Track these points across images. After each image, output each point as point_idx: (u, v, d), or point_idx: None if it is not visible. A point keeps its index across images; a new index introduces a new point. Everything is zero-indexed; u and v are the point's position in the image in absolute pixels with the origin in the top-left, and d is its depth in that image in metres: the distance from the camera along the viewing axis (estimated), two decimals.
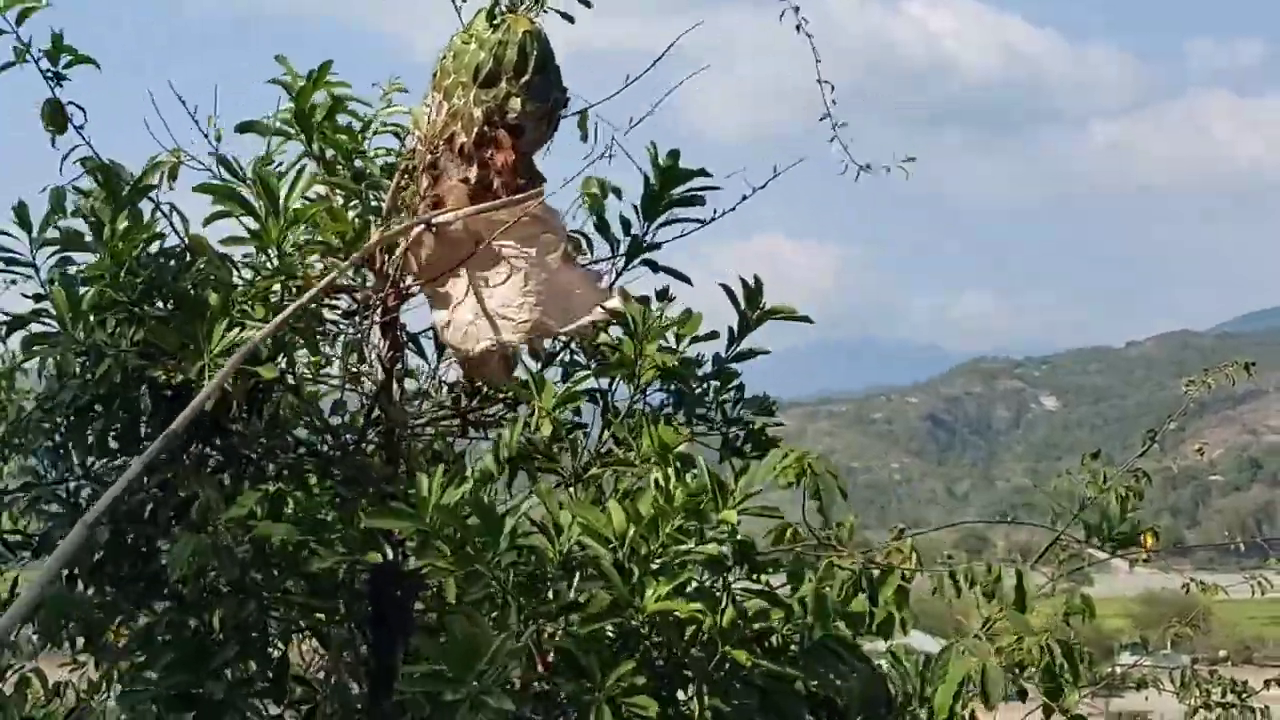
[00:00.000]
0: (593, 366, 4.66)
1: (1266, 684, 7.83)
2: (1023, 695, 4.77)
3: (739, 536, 4.05)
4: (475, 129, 4.46)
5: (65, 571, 4.36)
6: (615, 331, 4.61)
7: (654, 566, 3.73)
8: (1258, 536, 8.90)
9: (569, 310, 4.50)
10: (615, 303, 4.52)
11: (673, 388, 4.67)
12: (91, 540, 4.26)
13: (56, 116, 4.34)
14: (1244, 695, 7.53)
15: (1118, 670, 8.01)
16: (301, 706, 4.55)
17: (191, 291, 4.18)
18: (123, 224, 4.16)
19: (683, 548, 3.76)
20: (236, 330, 4.08)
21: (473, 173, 4.46)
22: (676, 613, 3.71)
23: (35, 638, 4.59)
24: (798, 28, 5.03)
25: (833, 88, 5.02)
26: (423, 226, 4.43)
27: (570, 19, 4.58)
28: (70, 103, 4.36)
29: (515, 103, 4.46)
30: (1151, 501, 6.60)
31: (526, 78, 4.48)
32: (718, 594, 3.91)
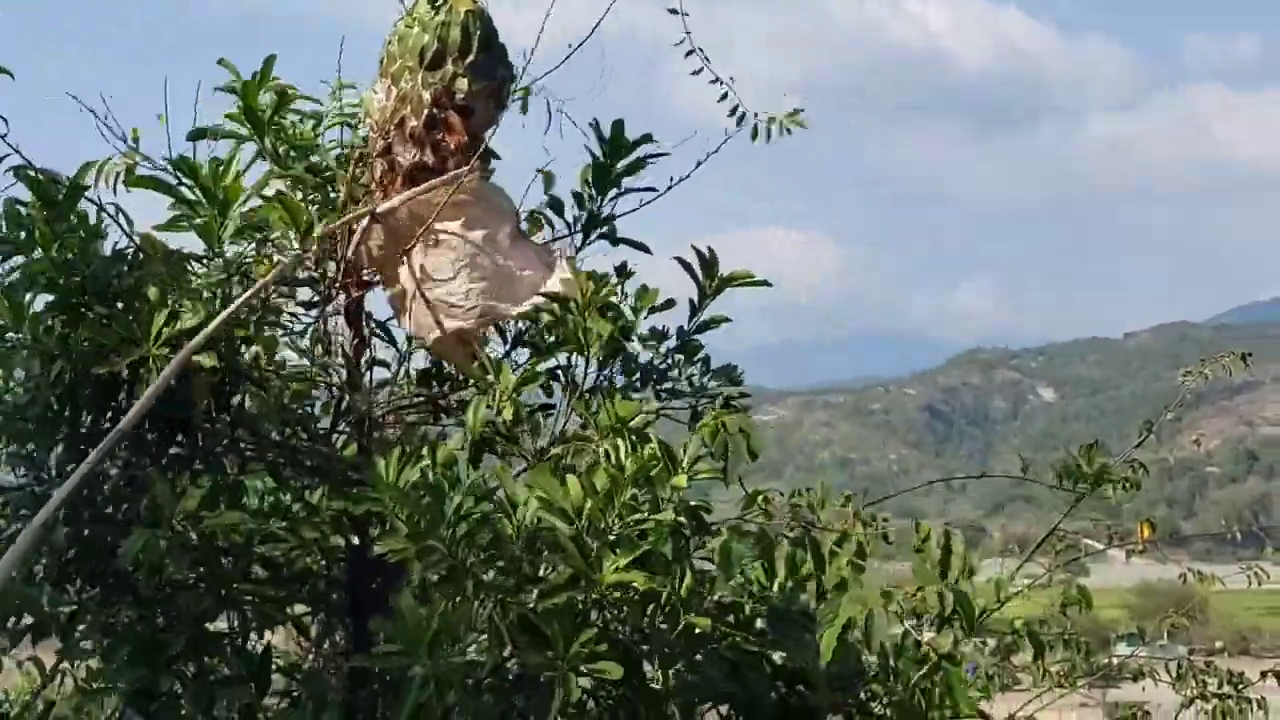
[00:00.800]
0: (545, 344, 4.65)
1: (1263, 675, 7.81)
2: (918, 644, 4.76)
3: (693, 503, 4.04)
4: (425, 112, 4.48)
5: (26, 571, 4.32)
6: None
7: (611, 538, 3.72)
8: (1254, 527, 8.89)
9: (518, 292, 4.50)
10: (555, 283, 4.51)
11: (634, 363, 4.65)
12: (53, 540, 4.24)
13: None
14: (1240, 686, 7.52)
15: (1114, 661, 7.99)
16: (288, 695, 4.53)
17: (132, 286, 4.15)
18: (58, 228, 4.13)
19: (638, 517, 3.75)
20: (175, 322, 4.05)
21: (425, 156, 4.46)
22: (635, 584, 3.70)
23: None
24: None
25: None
26: (368, 218, 4.43)
27: None
28: None
29: (462, 83, 4.49)
30: (1148, 492, 6.61)
31: (471, 57, 4.50)
32: (675, 564, 3.90)
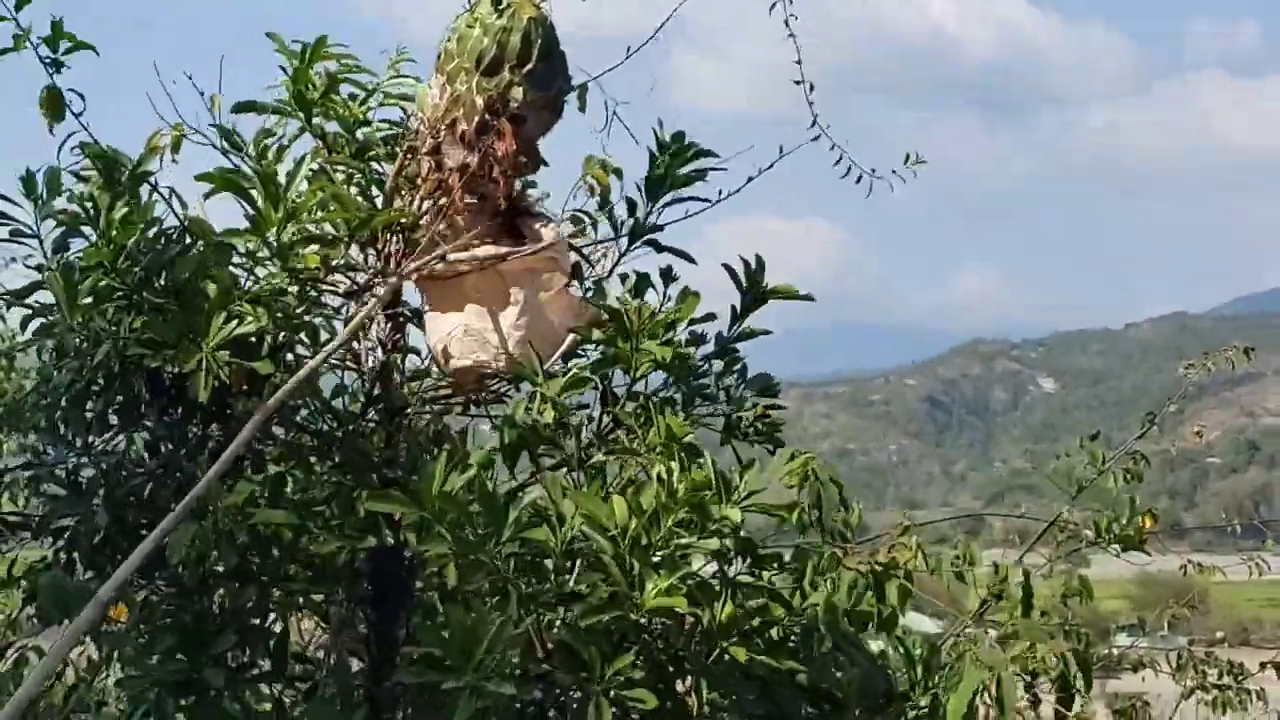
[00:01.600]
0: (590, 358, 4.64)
1: (1263, 666, 7.85)
2: (1035, 703, 4.78)
3: (741, 533, 4.03)
4: (476, 117, 4.42)
5: (64, 556, 4.36)
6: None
7: (655, 560, 3.72)
8: (1255, 518, 8.92)
9: (552, 341, 4.51)
10: (570, 338, 4.55)
11: (683, 379, 4.66)
12: (93, 522, 4.27)
13: (55, 104, 4.31)
14: (1240, 677, 7.55)
15: (1114, 652, 8.01)
16: (300, 684, 4.55)
17: (188, 280, 4.15)
18: (120, 211, 4.14)
19: (683, 541, 3.75)
20: (234, 323, 4.06)
21: (473, 160, 4.43)
22: (677, 608, 3.71)
23: (34, 619, 4.60)
24: (785, 22, 5.01)
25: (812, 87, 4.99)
26: (438, 257, 4.43)
27: None
28: (70, 89, 4.34)
29: (517, 92, 4.42)
30: (1149, 483, 6.63)
31: (530, 66, 4.44)
32: (717, 589, 3.91)
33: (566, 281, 4.58)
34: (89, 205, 4.16)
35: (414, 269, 4.42)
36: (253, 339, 4.14)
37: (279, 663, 4.33)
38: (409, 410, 4.67)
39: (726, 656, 3.89)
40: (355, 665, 4.61)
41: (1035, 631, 4.48)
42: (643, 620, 3.77)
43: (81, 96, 4.33)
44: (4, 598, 5.87)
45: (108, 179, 4.18)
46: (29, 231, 4.24)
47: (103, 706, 4.69)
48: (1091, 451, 6.27)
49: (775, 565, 4.27)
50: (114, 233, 4.10)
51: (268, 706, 4.35)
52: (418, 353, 4.84)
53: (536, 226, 4.54)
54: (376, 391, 4.64)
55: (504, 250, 4.46)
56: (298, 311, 4.26)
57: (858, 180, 5.13)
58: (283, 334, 4.25)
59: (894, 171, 5.10)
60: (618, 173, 4.87)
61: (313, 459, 4.51)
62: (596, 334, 4.51)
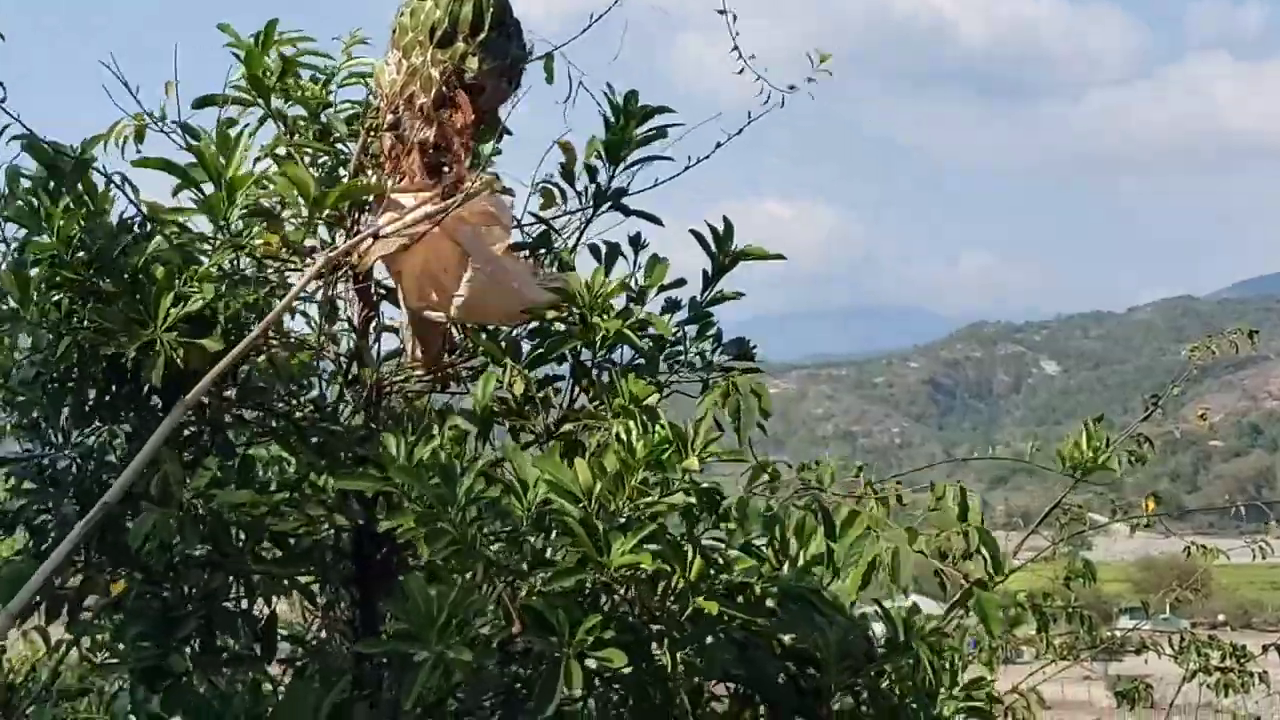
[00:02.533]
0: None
1: (1265, 649, 7.85)
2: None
3: (704, 485, 4.02)
4: (434, 89, 4.41)
5: (31, 543, 4.35)
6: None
7: (620, 521, 3.70)
8: (1258, 500, 8.91)
9: (506, 303, 4.48)
10: (544, 297, 4.51)
11: (643, 344, 4.65)
12: (62, 515, 4.25)
13: None
14: (1243, 659, 7.55)
15: (1117, 634, 8.02)
16: (293, 663, 4.55)
17: (138, 266, 4.12)
18: (62, 202, 4.10)
19: (648, 500, 3.73)
20: (182, 305, 4.04)
21: (431, 133, 4.42)
22: (643, 566, 3.69)
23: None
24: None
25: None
26: (370, 234, 4.41)
27: None
28: None
29: (473, 62, 4.40)
30: (1151, 467, 6.62)
31: (482, 35, 4.43)
32: (685, 546, 3.90)
33: (508, 239, 4.56)
34: (32, 199, 4.13)
35: (350, 245, 4.39)
36: (209, 319, 4.11)
37: (268, 645, 4.32)
38: (385, 390, 4.66)
39: (702, 617, 3.89)
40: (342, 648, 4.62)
41: (946, 520, 4.48)
42: (613, 582, 3.76)
43: (0, 85, 4.24)
44: None
45: (50, 171, 4.15)
46: None
47: (84, 693, 4.68)
48: (1094, 434, 6.25)
49: (737, 517, 4.26)
50: (58, 224, 4.07)
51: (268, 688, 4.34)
52: (395, 330, 4.82)
53: (462, 176, 4.50)
54: (353, 373, 4.62)
55: (431, 210, 4.40)
56: (248, 291, 4.23)
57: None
58: (230, 310, 4.21)
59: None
60: (565, 147, 4.85)
61: (284, 441, 4.50)
62: (551, 312, 4.50)
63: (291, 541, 4.26)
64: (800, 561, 4.20)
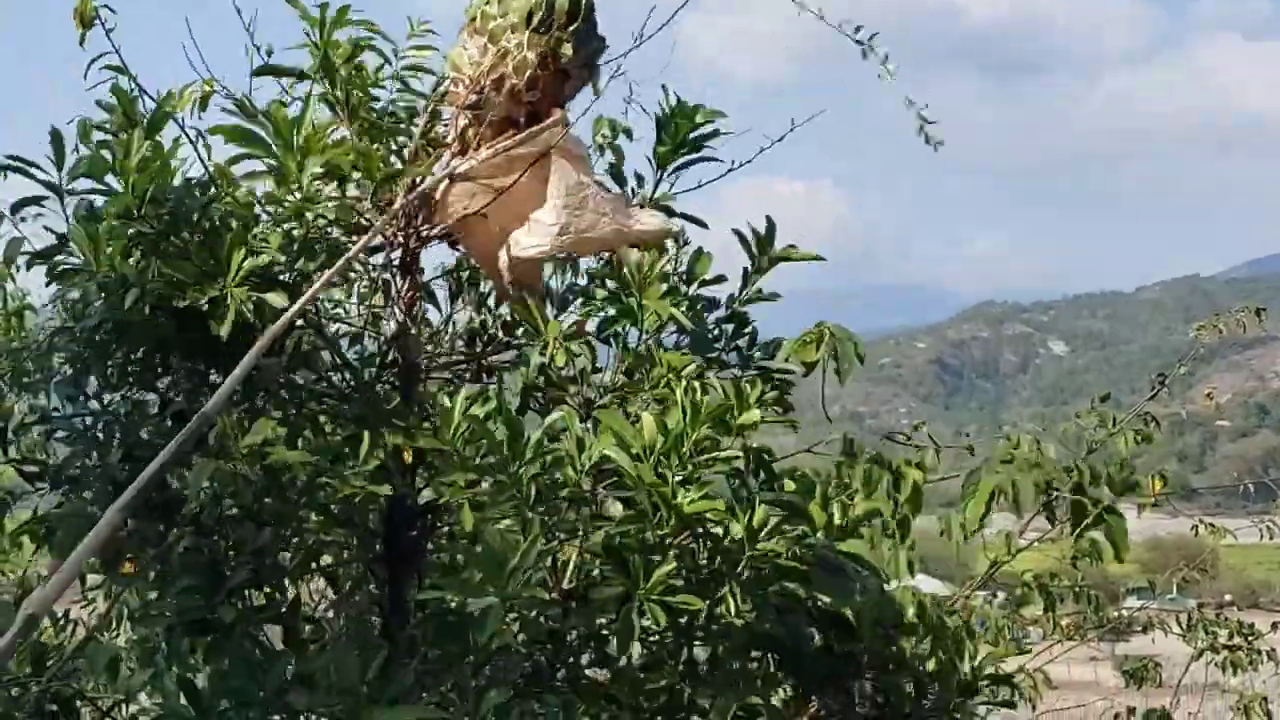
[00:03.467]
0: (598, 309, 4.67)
1: (1274, 626, 7.88)
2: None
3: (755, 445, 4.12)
4: (527, 72, 4.48)
5: (72, 501, 4.39)
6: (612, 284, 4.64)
7: (678, 478, 3.76)
8: (1266, 480, 8.91)
9: (602, 230, 4.53)
10: (652, 224, 4.56)
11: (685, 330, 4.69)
12: (108, 469, 4.30)
13: (86, 14, 4.33)
14: (1251, 638, 7.57)
15: (1124, 614, 8.04)
16: (310, 644, 4.57)
17: (212, 222, 4.19)
18: (137, 156, 4.14)
19: (708, 457, 3.80)
20: (253, 258, 4.10)
21: (521, 114, 4.49)
22: (711, 515, 3.78)
23: (47, 573, 4.62)
24: None
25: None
26: (446, 175, 4.46)
27: None
28: (104, 5, 4.36)
29: (567, 48, 4.48)
30: (1158, 446, 6.63)
31: (576, 24, 4.51)
32: (742, 501, 3.94)
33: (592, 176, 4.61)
34: (108, 151, 4.18)
35: (428, 185, 4.45)
36: (275, 277, 4.17)
37: (293, 624, 4.35)
38: (424, 373, 4.70)
39: (751, 572, 3.94)
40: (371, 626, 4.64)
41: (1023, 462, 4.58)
42: (674, 535, 3.83)
43: (111, 9, 4.34)
44: (15, 555, 5.91)
45: (127, 119, 4.20)
46: (51, 191, 4.26)
47: (116, 663, 4.70)
48: (1101, 414, 6.26)
49: (787, 480, 4.31)
50: (136, 176, 4.11)
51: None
52: (430, 322, 4.87)
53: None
54: (392, 355, 4.67)
55: (503, 143, 4.49)
56: (319, 250, 4.29)
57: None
58: (298, 265, 4.26)
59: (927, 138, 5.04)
60: (627, 133, 4.90)
61: (323, 414, 4.54)
62: (600, 293, 4.54)
63: (334, 507, 4.29)
64: (855, 513, 4.24)
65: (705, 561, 3.98)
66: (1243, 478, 8.57)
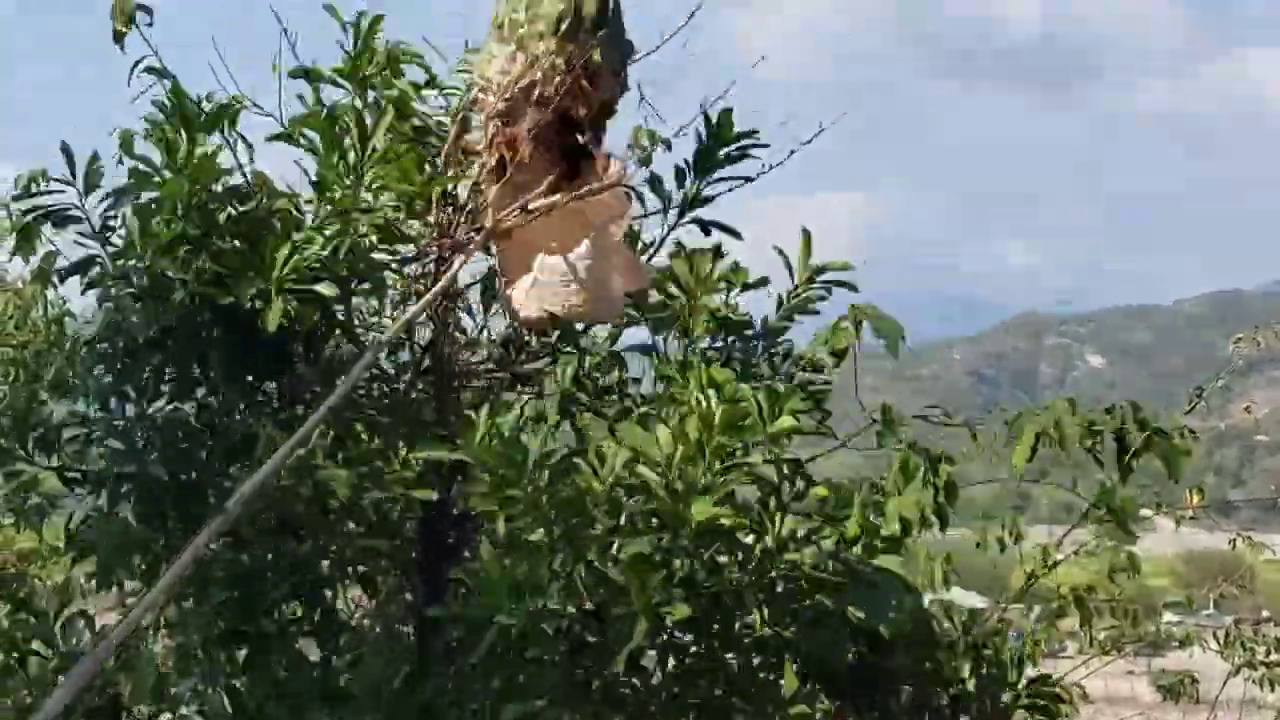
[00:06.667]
0: (646, 320, 4.67)
1: None
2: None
3: (786, 454, 4.06)
4: (556, 78, 4.48)
5: (111, 508, 4.42)
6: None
7: (701, 484, 3.74)
8: None
9: (612, 296, 4.53)
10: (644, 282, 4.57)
11: (724, 341, 4.68)
12: (149, 479, 4.32)
13: (125, 13, 4.34)
14: None
15: (1161, 629, 7.99)
16: (345, 653, 4.59)
17: (257, 223, 4.22)
18: (200, 150, 4.19)
19: (729, 464, 3.77)
20: (298, 255, 4.12)
21: (551, 121, 4.48)
22: (723, 522, 3.74)
23: (86, 580, 4.65)
24: None
25: None
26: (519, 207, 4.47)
27: None
28: (140, 7, 4.38)
29: (596, 54, 4.48)
30: (1196, 460, 6.58)
31: (604, 30, 4.51)
32: (769, 511, 3.91)
33: (626, 226, 4.61)
34: (162, 146, 4.21)
35: (501, 218, 4.45)
36: (319, 274, 4.19)
37: (329, 631, 4.37)
38: (458, 383, 4.71)
39: (778, 590, 3.90)
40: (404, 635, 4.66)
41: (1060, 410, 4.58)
42: (691, 544, 3.81)
43: (149, 11, 4.36)
44: (51, 562, 5.94)
45: (183, 116, 4.23)
46: (79, 213, 4.31)
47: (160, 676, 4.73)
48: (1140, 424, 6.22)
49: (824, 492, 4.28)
50: (191, 173, 4.13)
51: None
52: (464, 332, 4.87)
53: (599, 166, 4.55)
54: (427, 364, 4.68)
55: (581, 192, 4.48)
56: (361, 253, 4.32)
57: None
58: (343, 265, 4.28)
59: None
60: (666, 144, 4.89)
61: (359, 423, 4.56)
62: (654, 295, 4.55)
63: (373, 518, 4.30)
64: (888, 519, 4.20)
65: (736, 573, 3.96)
66: None
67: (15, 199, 4.46)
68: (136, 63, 4.42)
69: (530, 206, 4.47)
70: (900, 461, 4.37)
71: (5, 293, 5.09)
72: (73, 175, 4.35)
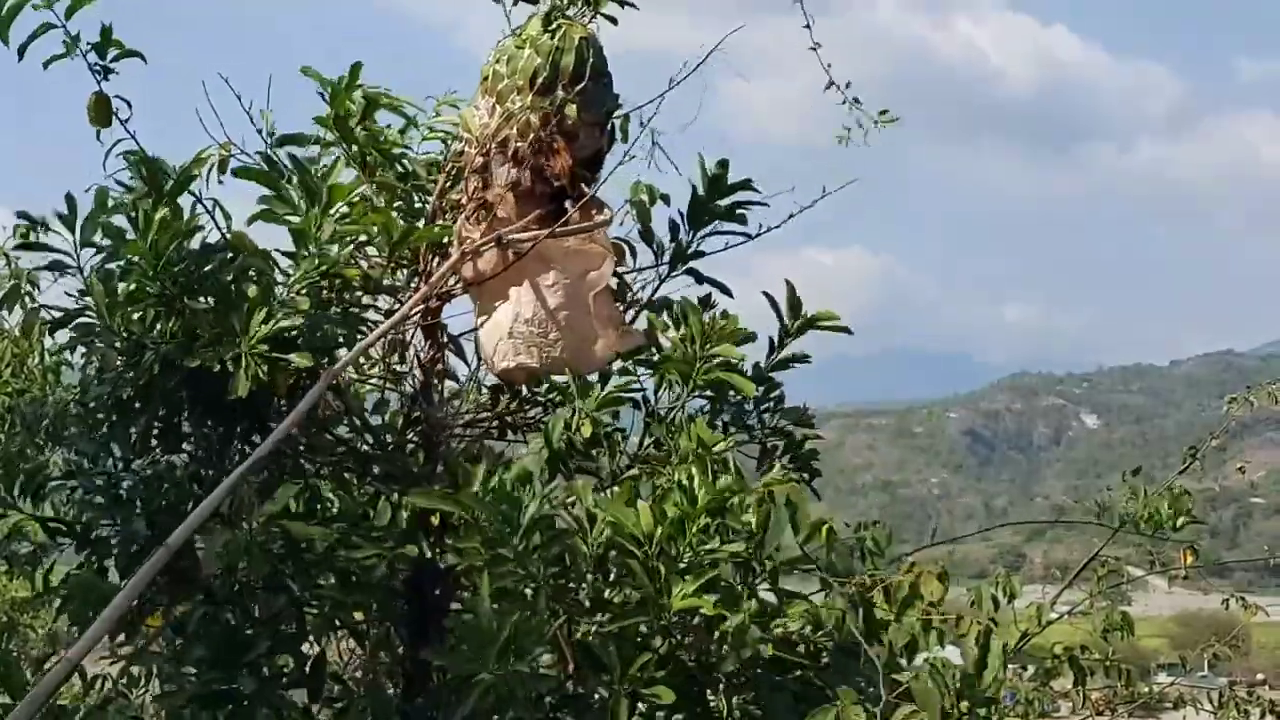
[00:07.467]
0: (639, 369, 4.65)
1: None
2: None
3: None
4: (530, 134, 4.45)
5: (95, 561, 4.40)
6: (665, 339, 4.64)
7: (681, 565, 3.73)
8: None
9: (587, 354, 4.52)
10: (632, 341, 4.56)
11: (712, 395, 4.66)
12: (132, 533, 4.30)
13: (102, 110, 4.34)
14: None
15: (1154, 689, 7.94)
16: (335, 704, 4.55)
17: (231, 285, 4.20)
18: (160, 213, 4.17)
19: (709, 547, 3.77)
20: (273, 321, 4.10)
21: (525, 177, 4.46)
22: (702, 610, 3.72)
23: (72, 629, 4.63)
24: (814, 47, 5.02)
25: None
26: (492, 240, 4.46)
27: (615, 22, 4.58)
28: (117, 96, 4.37)
29: (571, 110, 4.46)
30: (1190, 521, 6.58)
31: (582, 85, 4.48)
32: (739, 592, 3.90)
33: (608, 279, 4.59)
34: (132, 213, 4.20)
35: (465, 252, 4.43)
36: (292, 340, 4.16)
37: (316, 683, 4.33)
38: (447, 432, 4.69)
39: (759, 666, 3.88)
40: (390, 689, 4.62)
41: None
42: (671, 625, 3.78)
43: (129, 104, 4.36)
44: (43, 610, 5.92)
45: (152, 185, 4.22)
46: (70, 262, 4.30)
47: None
48: (1133, 487, 6.21)
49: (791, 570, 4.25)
50: (153, 235, 4.12)
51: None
52: (456, 379, 4.85)
53: (579, 216, 4.54)
54: (416, 413, 4.66)
55: (561, 229, 4.48)
56: (337, 317, 4.30)
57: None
58: (320, 334, 4.26)
59: None
60: (664, 198, 4.88)
61: (349, 474, 4.54)
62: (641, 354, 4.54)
63: (353, 576, 4.28)
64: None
65: (703, 657, 3.94)
66: (1276, 554, 8.48)
67: (16, 248, 4.48)
68: (111, 147, 4.40)
69: (504, 240, 4.47)
70: (835, 619, 4.32)
71: (3, 340, 5.10)
72: (71, 227, 4.33)
